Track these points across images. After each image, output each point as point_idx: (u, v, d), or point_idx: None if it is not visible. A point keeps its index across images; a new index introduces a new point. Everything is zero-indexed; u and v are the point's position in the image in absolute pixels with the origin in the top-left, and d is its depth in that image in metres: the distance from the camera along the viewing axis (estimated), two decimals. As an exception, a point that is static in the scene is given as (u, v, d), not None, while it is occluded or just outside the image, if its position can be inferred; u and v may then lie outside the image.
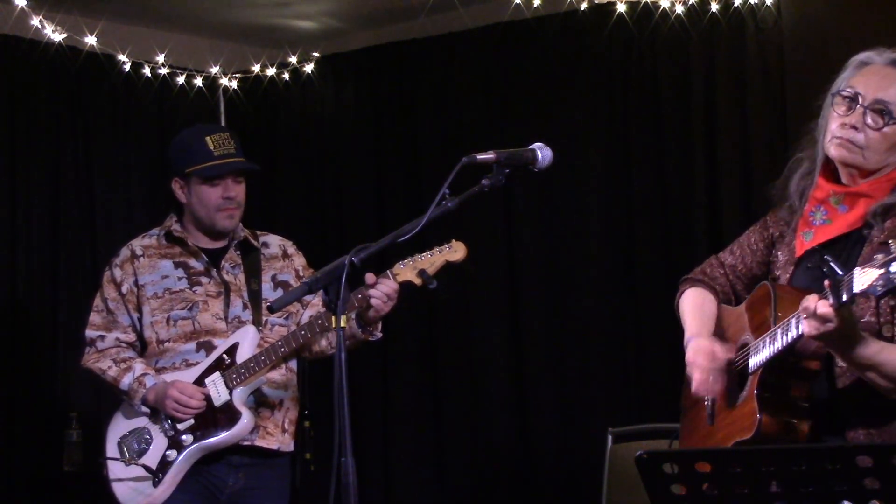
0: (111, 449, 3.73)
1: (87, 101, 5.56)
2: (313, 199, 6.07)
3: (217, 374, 3.66)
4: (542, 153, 2.68)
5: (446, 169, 2.55)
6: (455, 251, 3.65)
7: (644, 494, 2.20)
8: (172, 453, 3.65)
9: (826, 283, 2.40)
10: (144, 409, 3.69)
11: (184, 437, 3.65)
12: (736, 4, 4.90)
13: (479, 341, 5.60)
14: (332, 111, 6.04)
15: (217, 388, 3.65)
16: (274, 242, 3.90)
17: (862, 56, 2.77)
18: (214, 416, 3.65)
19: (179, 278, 3.75)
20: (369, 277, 3.54)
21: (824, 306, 2.39)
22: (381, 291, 3.52)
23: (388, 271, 3.56)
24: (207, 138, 3.72)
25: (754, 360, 2.67)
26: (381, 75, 5.88)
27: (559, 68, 5.38)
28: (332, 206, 6.01)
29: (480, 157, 2.61)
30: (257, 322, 3.74)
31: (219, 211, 3.72)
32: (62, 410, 5.17)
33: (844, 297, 2.36)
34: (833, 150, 2.71)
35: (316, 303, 3.80)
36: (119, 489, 3.68)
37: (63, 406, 5.18)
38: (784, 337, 2.56)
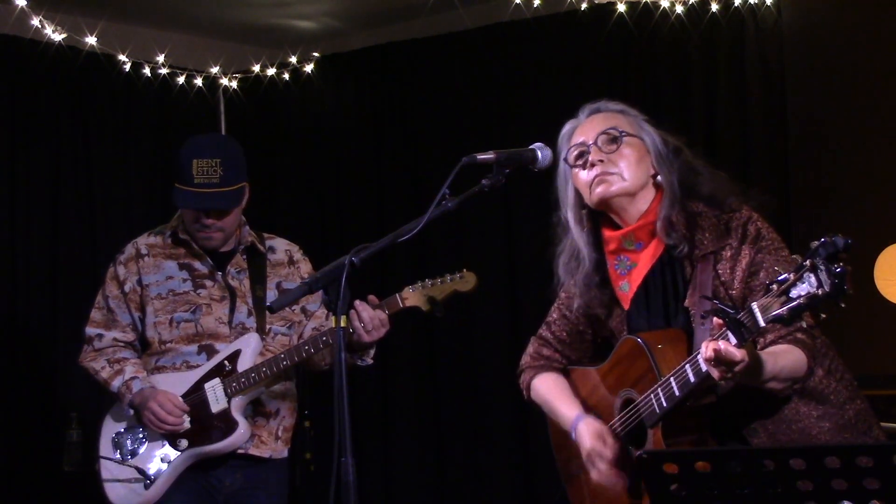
0: (105, 447, 3.72)
1: (87, 101, 5.56)
2: (313, 199, 6.07)
3: (217, 380, 3.65)
4: (542, 153, 2.69)
5: (446, 169, 2.55)
6: (466, 282, 3.67)
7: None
8: (166, 456, 3.64)
9: (716, 322, 2.42)
10: (131, 412, 3.69)
11: (179, 441, 3.64)
12: (736, 4, 4.91)
13: (479, 341, 5.60)
14: (332, 111, 6.04)
15: (216, 395, 3.64)
16: (280, 247, 3.87)
17: (564, 130, 2.95)
18: (211, 423, 3.64)
19: (184, 280, 3.73)
20: (372, 299, 3.55)
21: (729, 349, 2.40)
22: (367, 317, 3.50)
23: (396, 295, 3.58)
24: (194, 161, 3.62)
25: (650, 414, 2.69)
26: (381, 75, 5.89)
27: (559, 68, 5.38)
28: (332, 206, 6.01)
29: (480, 157, 2.61)
30: (261, 330, 3.73)
31: (197, 232, 3.70)
32: (62, 410, 5.16)
33: (748, 336, 2.38)
34: (598, 192, 2.79)
35: (319, 314, 3.80)
36: (111, 489, 3.68)
37: (63, 406, 5.18)
38: (683, 386, 2.58)
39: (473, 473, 5.60)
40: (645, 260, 2.79)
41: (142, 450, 3.68)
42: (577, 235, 2.88)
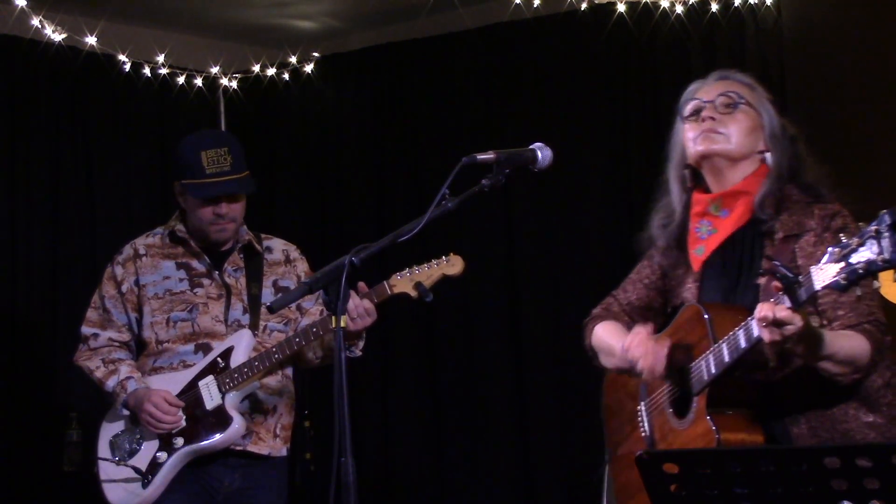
0: (103, 448, 3.73)
1: (87, 101, 5.56)
2: (313, 199, 6.07)
3: (210, 377, 3.65)
4: (542, 153, 2.68)
5: (446, 169, 2.55)
6: (452, 265, 3.64)
7: (645, 497, 2.20)
8: (163, 455, 3.64)
9: (773, 285, 2.44)
10: (125, 411, 3.69)
11: (175, 439, 3.64)
12: (736, 4, 4.91)
13: (479, 341, 5.60)
14: (332, 111, 6.04)
15: (210, 392, 3.65)
16: (277, 247, 3.88)
17: (689, 89, 2.94)
18: (206, 420, 3.64)
19: (181, 279, 3.74)
20: (361, 286, 3.55)
21: (783, 311, 2.42)
22: (351, 305, 3.48)
23: (384, 282, 3.58)
24: (203, 153, 3.66)
25: (699, 380, 2.70)
26: (381, 75, 5.88)
27: (559, 68, 5.38)
28: (332, 206, 6.01)
29: (480, 157, 2.62)
30: (254, 327, 3.73)
31: (210, 225, 3.70)
32: (62, 410, 5.16)
33: (803, 298, 2.39)
34: (700, 147, 2.82)
35: (314, 312, 3.80)
36: (109, 490, 3.68)
37: (63, 406, 5.18)
38: (734, 351, 2.59)
39: (473, 473, 5.60)
40: (726, 228, 2.80)
41: (139, 451, 3.68)
42: (674, 194, 2.92)
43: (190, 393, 3.66)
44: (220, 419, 3.63)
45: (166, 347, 3.71)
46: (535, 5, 5.20)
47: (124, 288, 3.75)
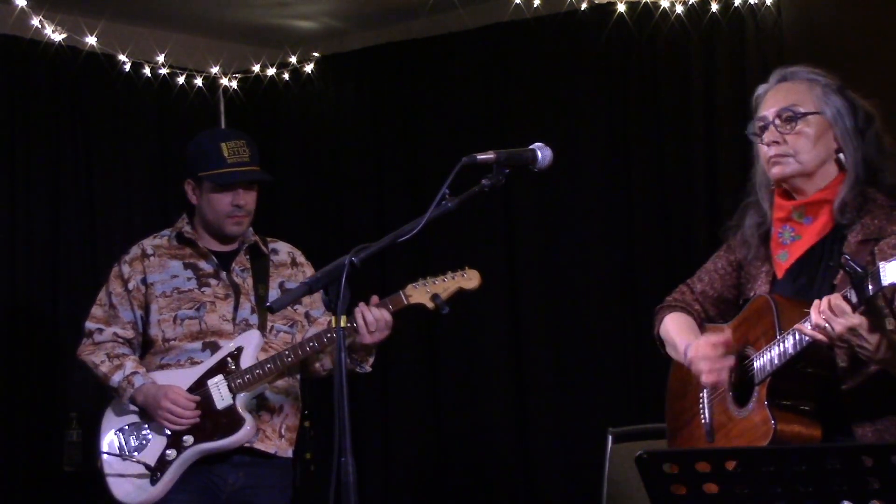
0: (107, 443, 3.71)
1: (87, 101, 5.56)
2: (313, 198, 6.07)
3: (220, 376, 3.65)
4: (542, 153, 2.68)
5: (446, 169, 2.55)
6: (469, 279, 3.70)
7: (644, 494, 2.20)
8: (172, 452, 3.64)
9: (840, 278, 2.43)
10: (133, 407, 3.68)
11: (184, 437, 3.63)
12: (736, 4, 4.90)
13: (479, 341, 5.59)
14: (332, 111, 6.04)
15: (220, 392, 3.65)
16: (283, 250, 3.90)
17: (759, 89, 2.97)
18: (216, 420, 3.64)
19: (188, 279, 3.75)
20: (374, 299, 3.55)
21: (843, 302, 2.44)
22: (371, 318, 3.51)
23: (400, 292, 3.60)
24: (223, 144, 3.72)
25: (761, 370, 2.70)
26: (381, 75, 5.88)
27: (559, 68, 5.38)
28: (332, 206, 6.01)
29: (480, 157, 2.61)
30: (262, 327, 3.74)
31: (227, 217, 3.72)
32: (62, 410, 5.17)
33: (870, 292, 2.40)
34: (774, 173, 2.83)
35: (322, 322, 3.81)
36: (115, 484, 3.67)
37: (63, 406, 5.18)
38: (798, 343, 2.59)
39: (473, 473, 5.60)
40: (810, 235, 2.80)
41: (146, 446, 3.67)
42: (763, 200, 2.91)
43: (199, 391, 3.66)
44: (231, 420, 3.63)
45: (173, 345, 3.72)
46: (535, 5, 5.20)
47: (131, 286, 3.76)
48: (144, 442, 3.67)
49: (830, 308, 2.46)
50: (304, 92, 6.03)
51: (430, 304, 3.61)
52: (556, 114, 5.36)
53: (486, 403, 5.55)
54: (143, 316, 3.76)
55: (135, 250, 3.82)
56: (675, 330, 3.02)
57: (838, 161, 2.80)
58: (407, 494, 5.74)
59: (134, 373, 3.67)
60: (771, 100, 2.88)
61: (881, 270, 2.36)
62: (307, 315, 3.82)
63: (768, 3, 4.85)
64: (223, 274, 3.77)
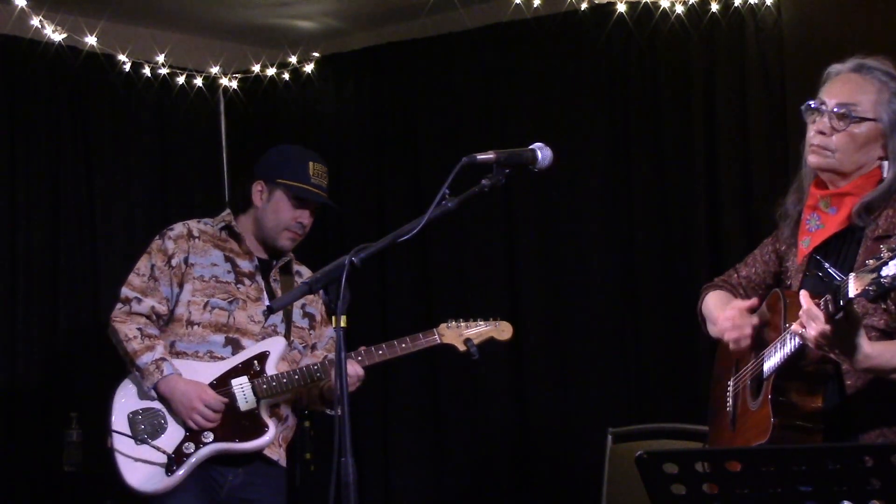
0: (119, 422, 3.67)
1: (87, 101, 5.56)
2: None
3: (245, 378, 3.66)
4: (542, 153, 2.68)
5: (446, 169, 2.55)
6: (503, 331, 3.87)
7: (644, 494, 2.20)
8: (190, 446, 3.62)
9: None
10: (153, 392, 3.66)
11: (205, 433, 3.63)
12: (736, 4, 4.90)
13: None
14: (332, 111, 6.04)
15: (244, 394, 3.66)
16: (306, 274, 3.92)
17: (832, 67, 2.89)
18: (238, 421, 3.64)
19: (228, 271, 3.77)
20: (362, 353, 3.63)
21: (814, 309, 2.46)
22: (351, 371, 3.54)
23: (434, 330, 3.74)
24: (310, 163, 3.84)
25: (768, 366, 2.72)
26: (381, 75, 5.88)
27: (559, 68, 5.37)
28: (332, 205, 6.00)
29: (480, 157, 2.62)
30: (287, 335, 3.79)
31: (286, 230, 3.78)
32: (62, 410, 5.16)
33: (842, 302, 2.40)
34: (810, 158, 2.82)
35: (319, 355, 3.87)
36: (126, 468, 3.61)
37: (63, 406, 5.18)
38: (792, 341, 2.60)
39: (474, 473, 5.60)
40: (832, 225, 2.80)
41: (161, 435, 3.64)
42: (805, 171, 2.90)
43: (222, 390, 3.66)
44: (254, 423, 3.65)
45: (195, 331, 3.71)
46: (535, 5, 5.20)
47: (174, 262, 3.75)
48: (160, 430, 3.64)
49: (805, 313, 2.47)
50: (304, 92, 6.03)
51: (461, 348, 3.76)
52: (556, 114, 5.35)
53: (486, 403, 5.55)
54: (177, 293, 3.75)
55: (180, 228, 3.81)
56: (715, 304, 3.04)
57: (879, 167, 2.79)
58: (407, 494, 5.74)
59: (163, 359, 3.65)
60: (837, 86, 2.82)
61: (849, 283, 2.36)
62: (313, 346, 3.89)
63: (768, 3, 4.85)
64: (259, 278, 3.79)
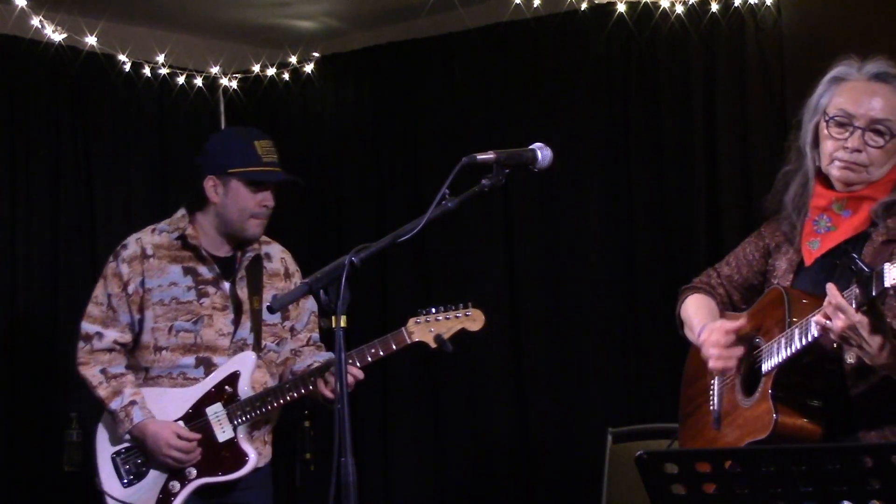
0: (104, 465, 3.66)
1: (87, 101, 5.56)
2: (313, 198, 6.06)
3: (219, 405, 3.61)
4: (542, 153, 2.67)
5: (446, 169, 2.55)
6: (474, 320, 3.68)
7: (644, 494, 2.20)
8: (176, 485, 3.60)
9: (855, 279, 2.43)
10: (128, 436, 3.62)
11: (188, 469, 3.60)
12: (736, 4, 4.90)
13: (478, 341, 5.57)
14: (332, 111, 6.04)
15: (221, 423, 3.61)
16: (276, 255, 3.83)
17: (836, 71, 2.83)
18: (218, 453, 3.61)
19: (188, 288, 3.66)
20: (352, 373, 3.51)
21: (843, 301, 2.42)
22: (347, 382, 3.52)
23: (402, 329, 3.59)
24: (256, 143, 3.69)
25: (769, 361, 2.70)
26: (381, 75, 5.88)
27: (559, 68, 5.37)
28: (332, 206, 6.01)
29: (480, 157, 2.61)
30: (257, 346, 3.70)
31: (252, 217, 3.66)
32: (62, 410, 5.16)
33: (874, 292, 2.38)
34: (836, 173, 2.76)
35: (302, 338, 3.80)
36: None
37: (63, 406, 5.18)
38: (803, 337, 2.59)
39: (473, 473, 5.60)
40: (846, 228, 2.76)
41: (146, 475, 3.62)
42: (809, 170, 2.84)
43: (200, 421, 3.62)
44: (233, 454, 3.61)
45: (164, 356, 3.65)
46: (535, 5, 5.20)
47: (130, 289, 3.66)
48: (144, 469, 3.63)
49: (833, 305, 2.45)
50: (304, 92, 6.03)
51: (432, 344, 3.60)
52: (556, 114, 5.35)
53: (486, 403, 5.55)
54: (139, 319, 3.68)
55: (133, 248, 3.69)
56: (694, 311, 3.01)
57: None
58: (407, 494, 5.74)
59: (132, 402, 3.59)
60: (864, 99, 2.75)
61: (885, 272, 2.35)
62: (292, 329, 3.80)
63: (768, 3, 4.85)
64: (224, 284, 3.69)
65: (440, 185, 2.55)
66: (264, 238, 3.84)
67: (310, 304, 3.85)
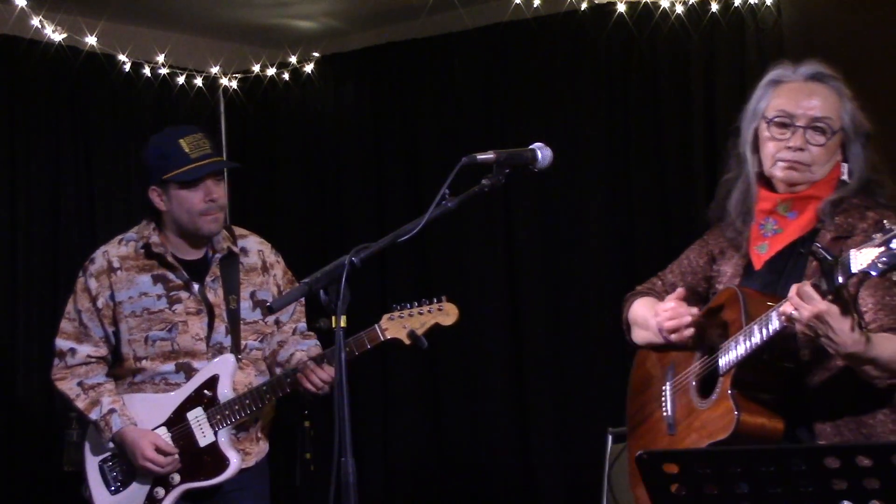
0: (92, 472, 3.66)
1: (87, 101, 5.56)
2: (313, 199, 6.07)
3: (199, 409, 3.59)
4: (542, 153, 2.67)
5: (446, 169, 2.55)
6: (447, 315, 3.55)
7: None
8: (160, 491, 3.59)
9: (813, 265, 2.46)
10: (111, 444, 3.62)
11: (171, 476, 3.58)
12: (736, 4, 4.91)
13: (478, 341, 5.59)
14: (332, 111, 6.04)
15: (201, 428, 3.58)
16: (253, 248, 3.76)
17: (773, 75, 2.87)
18: (200, 459, 3.58)
19: (159, 296, 3.62)
20: (312, 351, 3.51)
21: (812, 291, 2.44)
22: (318, 381, 3.50)
23: (376, 326, 3.52)
24: (181, 141, 3.57)
25: (726, 360, 2.71)
26: (381, 75, 5.89)
27: (559, 68, 5.38)
28: (332, 206, 6.01)
29: (480, 157, 2.61)
30: (236, 347, 3.65)
31: (202, 216, 3.57)
32: (62, 410, 5.16)
33: (840, 280, 2.40)
34: (780, 174, 2.79)
35: (287, 329, 3.76)
36: None
37: (63, 406, 5.17)
38: (764, 330, 2.60)
39: (473, 473, 5.60)
40: (793, 229, 2.79)
41: (132, 483, 3.62)
42: (750, 176, 2.86)
43: (180, 427, 3.60)
44: (215, 458, 3.58)
45: (145, 365, 3.62)
46: (535, 5, 5.20)
47: (100, 303, 3.64)
48: (129, 477, 3.62)
49: (799, 294, 2.46)
50: (304, 92, 6.03)
51: (406, 341, 3.50)
52: (556, 114, 5.36)
53: (486, 403, 5.55)
54: (114, 332, 3.65)
55: (100, 262, 3.66)
56: (644, 308, 3.03)
57: (837, 168, 2.80)
58: (407, 494, 5.74)
59: (111, 411, 3.58)
60: (803, 98, 2.80)
61: (850, 258, 2.36)
62: (277, 322, 3.77)
63: (768, 3, 4.85)
64: (195, 287, 3.64)
65: (440, 185, 2.55)
66: (240, 232, 3.79)
67: None
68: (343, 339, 2.48)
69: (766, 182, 2.85)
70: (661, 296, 3.05)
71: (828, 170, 2.78)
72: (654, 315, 2.91)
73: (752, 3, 4.87)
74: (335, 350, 3.43)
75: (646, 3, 5.06)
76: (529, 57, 5.46)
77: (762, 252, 2.83)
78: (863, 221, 2.71)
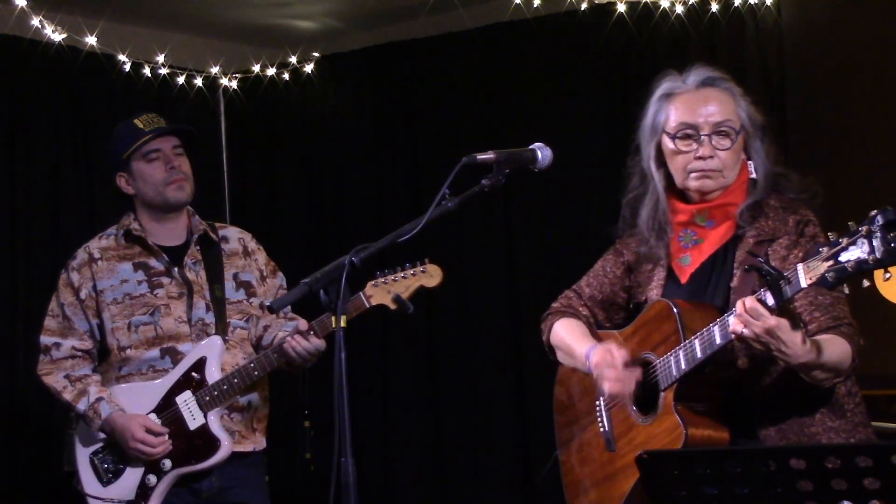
0: (83, 466, 3.67)
1: (87, 101, 5.56)
2: (313, 199, 6.07)
3: (188, 393, 3.59)
4: (542, 153, 2.68)
5: (446, 169, 2.55)
6: (430, 276, 3.56)
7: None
8: (152, 478, 3.59)
9: (757, 281, 2.46)
10: (101, 434, 3.63)
11: (162, 461, 3.58)
12: (736, 4, 4.91)
13: (479, 341, 5.59)
14: (332, 111, 6.04)
15: (191, 411, 3.58)
16: (233, 236, 3.81)
17: (664, 88, 2.90)
18: (190, 441, 3.58)
19: (139, 282, 3.66)
20: (302, 324, 3.51)
21: (760, 307, 2.45)
22: (303, 350, 3.50)
23: (360, 294, 3.51)
24: (135, 121, 3.69)
25: (666, 376, 2.70)
26: (381, 75, 5.89)
27: (559, 68, 5.38)
28: (331, 206, 6.01)
29: (480, 157, 2.61)
30: (220, 324, 3.66)
31: (167, 185, 3.64)
32: (62, 410, 5.15)
33: (788, 294, 2.41)
34: (695, 184, 2.80)
35: (269, 323, 3.76)
36: None
37: (63, 406, 5.17)
38: (708, 348, 2.60)
39: (473, 472, 5.60)
40: (714, 239, 2.81)
41: (123, 471, 3.63)
42: (659, 192, 2.88)
43: (169, 411, 3.60)
44: (206, 441, 3.58)
45: (130, 354, 3.64)
46: (535, 5, 5.20)
47: (83, 294, 3.67)
48: (121, 466, 3.63)
49: (748, 311, 2.46)
50: (304, 92, 6.03)
51: (392, 306, 3.51)
52: (556, 114, 5.36)
53: (486, 403, 5.55)
54: (98, 324, 3.67)
55: (81, 255, 3.72)
56: (570, 336, 3.00)
57: (745, 168, 2.82)
58: (407, 494, 5.74)
59: (99, 399, 3.60)
60: (699, 107, 2.82)
61: (799, 273, 2.37)
62: (262, 305, 3.77)
63: (768, 3, 4.85)
64: (175, 270, 3.67)
65: (440, 185, 2.55)
66: (220, 224, 3.85)
67: (278, 279, 3.85)
68: (343, 339, 2.48)
69: (678, 194, 2.86)
70: (580, 312, 3.04)
71: (737, 172, 2.80)
72: (589, 364, 2.86)
73: (752, 3, 4.87)
74: (322, 320, 3.50)
75: (646, 3, 5.06)
76: (529, 57, 5.46)
77: (685, 264, 2.83)
78: (785, 225, 2.74)
